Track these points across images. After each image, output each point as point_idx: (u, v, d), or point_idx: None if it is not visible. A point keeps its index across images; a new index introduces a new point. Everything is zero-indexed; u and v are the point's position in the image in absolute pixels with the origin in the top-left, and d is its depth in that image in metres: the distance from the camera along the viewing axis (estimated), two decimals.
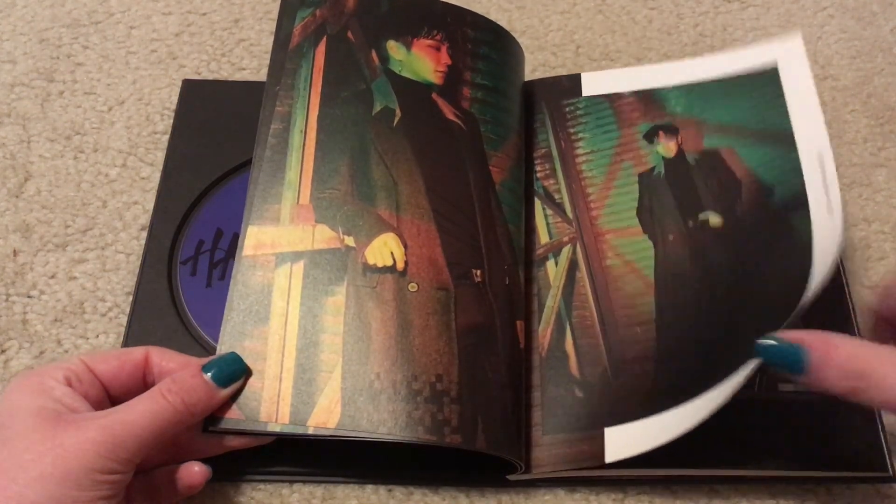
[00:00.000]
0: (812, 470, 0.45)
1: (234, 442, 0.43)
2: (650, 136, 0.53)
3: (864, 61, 0.63)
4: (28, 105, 0.59)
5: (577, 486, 0.46)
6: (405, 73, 0.52)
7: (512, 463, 0.43)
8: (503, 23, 0.56)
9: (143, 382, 0.41)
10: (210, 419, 0.41)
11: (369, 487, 0.46)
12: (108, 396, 0.40)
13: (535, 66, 0.62)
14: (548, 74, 0.62)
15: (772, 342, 0.39)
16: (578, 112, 0.55)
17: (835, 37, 0.65)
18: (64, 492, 0.35)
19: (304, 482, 0.46)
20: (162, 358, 0.41)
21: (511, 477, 0.45)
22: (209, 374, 0.40)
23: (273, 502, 0.45)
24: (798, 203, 0.46)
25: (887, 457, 0.45)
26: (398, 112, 0.50)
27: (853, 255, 0.55)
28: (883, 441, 0.45)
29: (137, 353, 0.41)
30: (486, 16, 0.53)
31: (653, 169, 0.52)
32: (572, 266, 0.50)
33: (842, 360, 0.37)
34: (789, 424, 0.46)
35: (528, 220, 0.51)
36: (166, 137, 0.57)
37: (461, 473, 0.46)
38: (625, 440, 0.44)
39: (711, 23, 0.65)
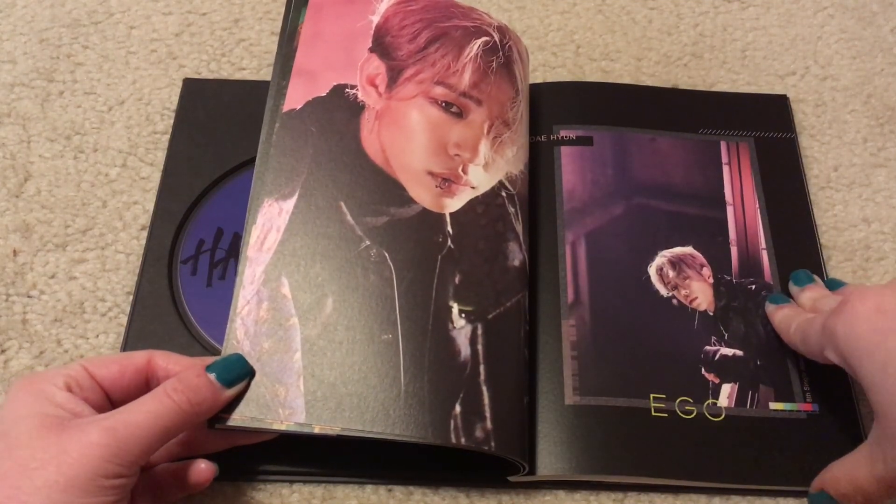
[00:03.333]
0: (801, 485, 0.45)
1: (240, 439, 0.43)
2: None
3: (864, 61, 0.63)
4: (28, 105, 0.59)
5: (577, 487, 0.46)
6: None
7: (513, 463, 0.43)
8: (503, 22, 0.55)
9: (145, 387, 0.40)
10: (215, 417, 0.40)
11: (369, 487, 0.46)
12: (110, 401, 0.40)
13: (535, 66, 0.62)
14: (548, 74, 0.62)
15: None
16: None
17: (835, 37, 0.65)
18: (69, 499, 0.34)
19: (304, 482, 0.46)
20: (167, 361, 0.41)
21: (513, 478, 0.45)
22: (213, 374, 0.40)
23: (273, 502, 0.45)
24: None
25: None
26: None
27: (853, 255, 0.54)
28: None
29: (139, 357, 0.41)
30: (487, 15, 0.53)
31: None
32: None
33: None
34: (779, 441, 0.46)
35: None
36: (166, 137, 0.57)
37: (461, 473, 0.46)
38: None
39: (711, 23, 0.65)
